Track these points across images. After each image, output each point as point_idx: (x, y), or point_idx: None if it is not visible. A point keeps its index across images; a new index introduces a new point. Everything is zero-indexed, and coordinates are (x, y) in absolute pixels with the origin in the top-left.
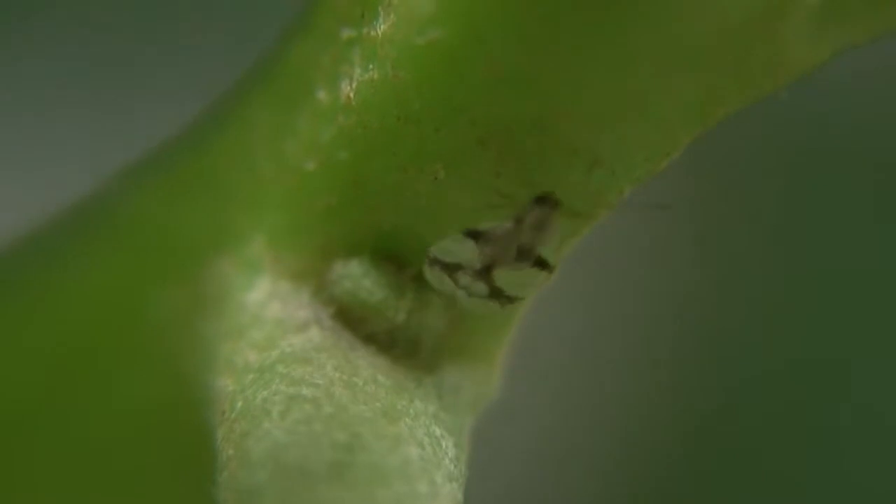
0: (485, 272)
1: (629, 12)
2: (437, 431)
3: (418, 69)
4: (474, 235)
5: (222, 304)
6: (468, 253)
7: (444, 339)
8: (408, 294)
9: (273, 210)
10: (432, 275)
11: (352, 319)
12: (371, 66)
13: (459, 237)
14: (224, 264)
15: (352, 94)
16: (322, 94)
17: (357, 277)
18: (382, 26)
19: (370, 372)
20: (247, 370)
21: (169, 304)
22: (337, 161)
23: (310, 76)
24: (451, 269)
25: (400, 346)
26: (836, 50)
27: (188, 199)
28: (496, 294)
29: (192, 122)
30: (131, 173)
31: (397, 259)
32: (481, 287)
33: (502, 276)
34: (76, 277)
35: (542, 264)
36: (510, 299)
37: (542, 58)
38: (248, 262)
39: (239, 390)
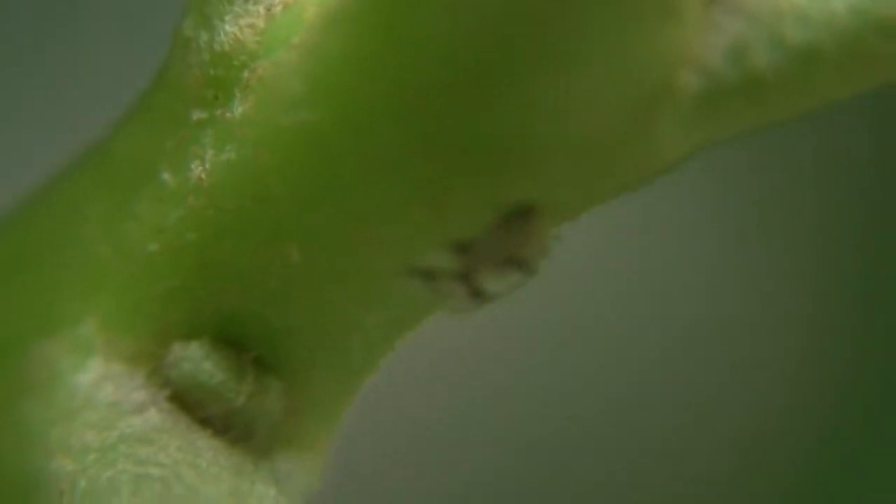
0: (465, 276)
1: (504, 108)
2: None
3: (283, 151)
4: (454, 241)
5: (51, 387)
6: (449, 262)
7: (279, 426)
8: (248, 378)
9: (107, 292)
10: (408, 284)
11: (189, 402)
12: (227, 148)
13: (439, 243)
14: (52, 347)
15: (204, 176)
16: (167, 177)
17: (197, 360)
18: (240, 108)
19: (212, 454)
20: (86, 450)
21: None
22: (183, 243)
23: (151, 159)
24: (431, 274)
25: (236, 430)
26: (703, 146)
27: (9, 283)
28: (477, 296)
29: (14, 205)
30: None
31: (238, 342)
32: (462, 290)
33: (482, 279)
34: None
35: (524, 265)
36: (491, 297)
37: (417, 144)
38: (78, 344)
39: (80, 469)
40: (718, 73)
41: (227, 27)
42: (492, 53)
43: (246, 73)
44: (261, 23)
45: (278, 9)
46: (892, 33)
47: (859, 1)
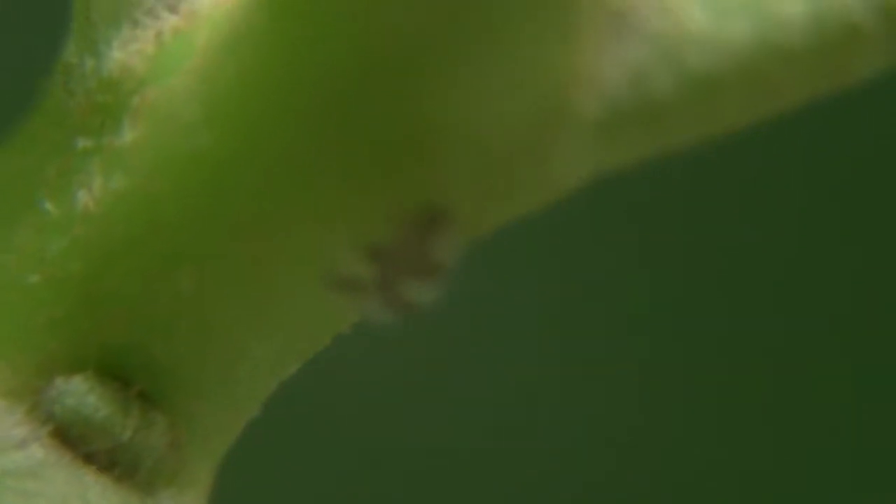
0: (383, 283)
1: (404, 118)
2: None
3: (178, 176)
4: (370, 254)
5: None
6: (365, 270)
7: (163, 461)
8: (133, 412)
9: None
10: (331, 291)
11: (73, 437)
12: (117, 176)
13: (356, 256)
14: None
15: (92, 205)
16: (49, 206)
17: (80, 394)
18: (130, 134)
19: (100, 488)
20: None
21: None
22: (67, 273)
23: (31, 188)
24: (349, 283)
25: (121, 466)
26: (602, 169)
27: None
28: (396, 302)
29: None
30: None
31: (123, 375)
32: (381, 297)
33: (400, 285)
34: None
35: (438, 273)
36: (411, 306)
37: (317, 157)
38: None
39: None
40: (617, 96)
41: (115, 53)
42: (390, 63)
43: (135, 100)
44: (150, 48)
45: (168, 34)
46: (792, 60)
47: (760, 27)
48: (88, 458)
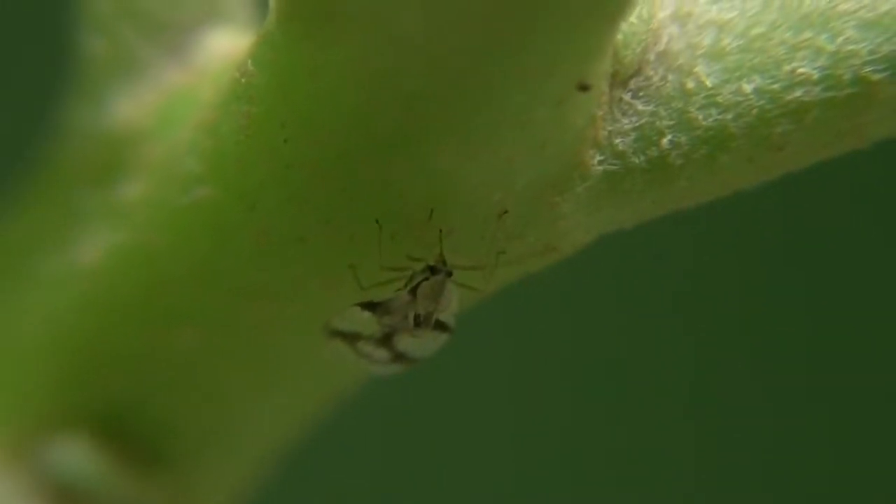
0: (386, 339)
1: (406, 181)
2: None
3: (179, 230)
4: (371, 307)
5: None
6: (367, 323)
7: None
8: (132, 470)
9: None
10: (332, 346)
11: (72, 496)
12: (120, 230)
13: (357, 309)
14: None
15: (94, 262)
16: (53, 263)
17: (80, 453)
18: (133, 188)
19: None
20: None
21: None
22: (69, 331)
23: (33, 247)
24: (352, 338)
25: None
26: (607, 228)
27: None
28: (399, 358)
29: None
30: None
31: (124, 433)
32: (383, 353)
33: (403, 342)
34: None
35: (441, 327)
36: (413, 360)
37: (318, 214)
38: None
39: None
40: (625, 153)
41: (119, 107)
42: (398, 122)
43: (139, 154)
44: (155, 103)
45: (173, 89)
46: (799, 119)
47: (766, 86)
48: None
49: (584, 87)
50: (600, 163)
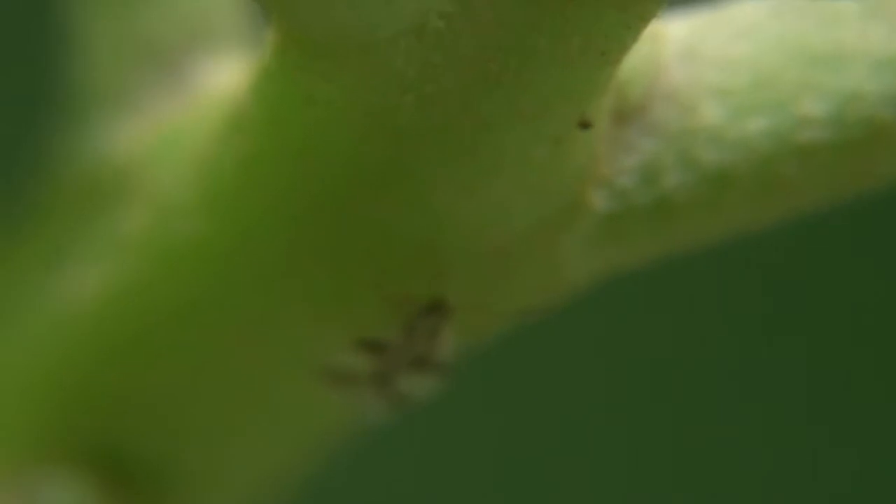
0: (380, 380)
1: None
2: None
3: (175, 262)
4: (367, 347)
5: None
6: (362, 364)
7: None
8: None
9: None
10: (325, 386)
11: None
12: (113, 265)
13: (352, 349)
14: None
15: (87, 297)
16: (45, 298)
17: (71, 489)
18: (128, 219)
19: None
20: None
21: None
22: (62, 366)
23: (26, 283)
24: (345, 378)
25: None
26: (608, 269)
27: None
28: (393, 399)
29: None
30: None
31: (121, 469)
32: (377, 394)
33: (399, 382)
34: None
35: (439, 368)
36: (408, 399)
37: (312, 250)
38: None
39: None
40: (628, 192)
41: (117, 136)
42: (391, 160)
43: (133, 185)
44: (149, 133)
45: (168, 119)
46: (811, 159)
47: (778, 125)
48: None
49: (584, 125)
50: (602, 201)
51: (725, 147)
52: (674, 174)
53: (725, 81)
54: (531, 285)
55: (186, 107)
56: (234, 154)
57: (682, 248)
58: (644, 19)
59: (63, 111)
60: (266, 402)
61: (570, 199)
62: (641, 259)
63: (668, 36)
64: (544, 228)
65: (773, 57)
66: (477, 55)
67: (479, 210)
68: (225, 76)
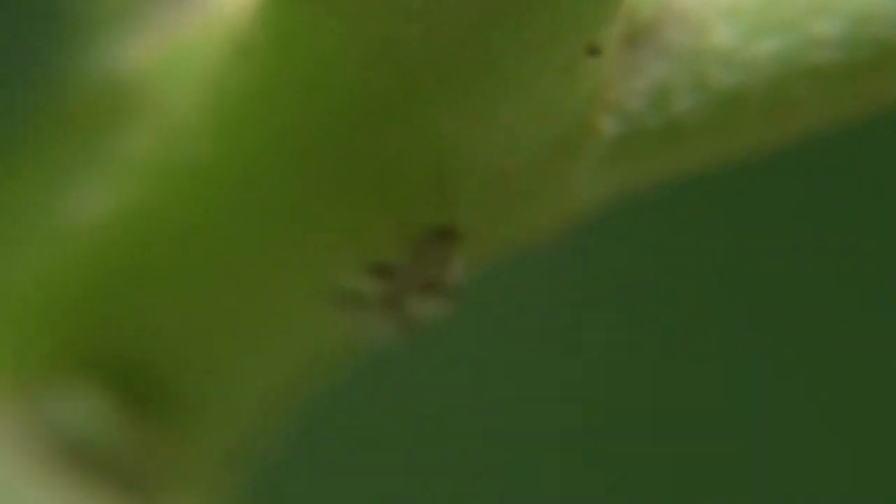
0: (389, 302)
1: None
2: None
3: (182, 185)
4: (375, 271)
5: None
6: (371, 287)
7: (166, 469)
8: (138, 421)
9: None
10: (334, 308)
11: (69, 449)
12: (120, 184)
13: (361, 273)
14: None
15: (94, 214)
16: (52, 217)
17: (79, 401)
18: (135, 140)
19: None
20: None
21: None
22: (70, 282)
23: (31, 200)
24: (354, 301)
25: (124, 474)
26: (620, 189)
27: None
28: (402, 323)
29: None
30: None
31: (128, 384)
32: (386, 318)
33: (408, 305)
34: None
35: (445, 290)
36: (414, 323)
37: (322, 175)
38: None
39: None
40: (639, 116)
41: (124, 54)
42: (397, 89)
43: (142, 102)
44: (158, 52)
45: (180, 38)
46: (821, 80)
47: (785, 46)
48: (86, 467)
49: (593, 51)
50: (611, 125)
51: (736, 68)
52: (684, 96)
53: (736, 2)
54: (540, 210)
55: (195, 25)
56: (241, 79)
57: (692, 169)
58: None
59: (69, 27)
60: (274, 322)
61: (579, 123)
62: (650, 182)
63: None
64: (553, 153)
65: None
66: None
67: (487, 137)
68: None
